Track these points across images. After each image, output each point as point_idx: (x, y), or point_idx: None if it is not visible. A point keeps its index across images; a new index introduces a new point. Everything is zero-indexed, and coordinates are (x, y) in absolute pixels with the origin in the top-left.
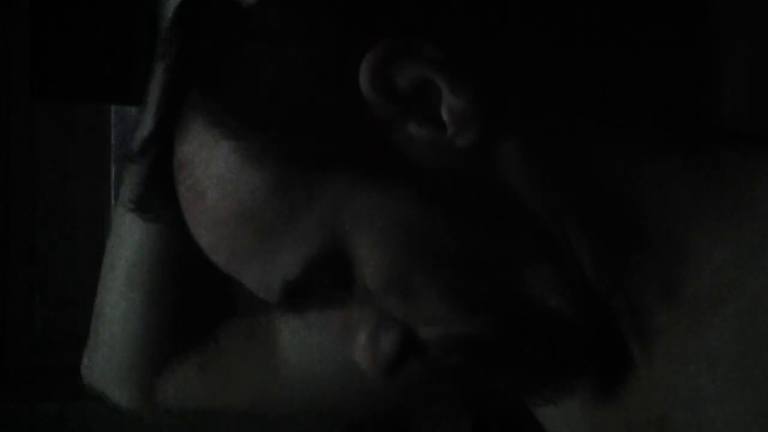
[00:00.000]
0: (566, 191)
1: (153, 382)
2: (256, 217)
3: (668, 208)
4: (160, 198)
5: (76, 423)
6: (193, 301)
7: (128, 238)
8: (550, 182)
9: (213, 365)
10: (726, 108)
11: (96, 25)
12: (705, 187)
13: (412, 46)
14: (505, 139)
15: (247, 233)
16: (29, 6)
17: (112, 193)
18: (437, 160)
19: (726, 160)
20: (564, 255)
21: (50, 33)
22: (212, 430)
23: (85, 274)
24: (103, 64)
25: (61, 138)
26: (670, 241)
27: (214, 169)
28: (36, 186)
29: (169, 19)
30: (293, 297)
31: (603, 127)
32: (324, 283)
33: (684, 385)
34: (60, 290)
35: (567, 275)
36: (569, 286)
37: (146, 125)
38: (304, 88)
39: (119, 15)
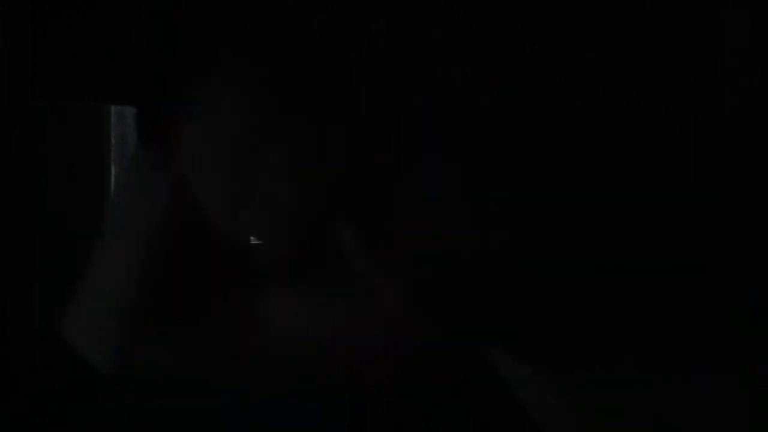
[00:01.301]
0: None
1: (132, 348)
2: None
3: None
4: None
5: (76, 423)
6: (184, 274)
7: (129, 214)
8: None
9: (194, 335)
10: (726, 108)
11: (96, 25)
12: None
13: None
14: None
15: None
16: (29, 6)
17: (112, 193)
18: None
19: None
20: None
21: (50, 33)
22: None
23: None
24: (103, 64)
25: (61, 138)
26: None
27: None
28: (36, 186)
29: None
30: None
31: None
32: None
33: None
34: (60, 290)
35: None
36: None
37: None
38: None
39: (119, 15)
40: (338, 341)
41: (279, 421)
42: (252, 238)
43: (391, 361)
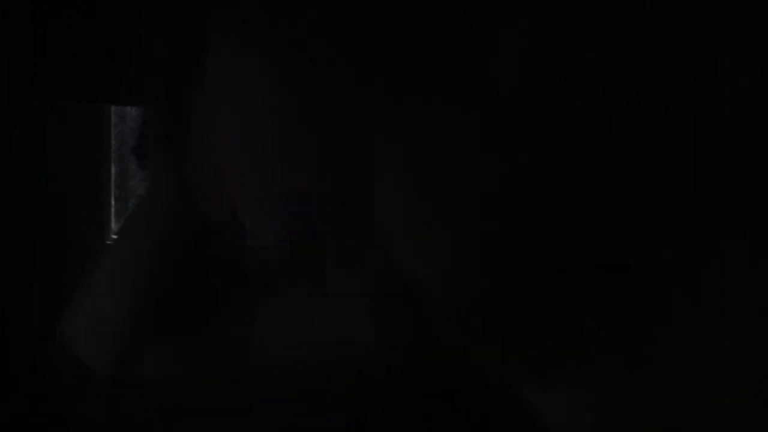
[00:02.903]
0: None
1: (132, 353)
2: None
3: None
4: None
5: (76, 423)
6: (186, 282)
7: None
8: None
9: (194, 342)
10: (726, 107)
11: (96, 25)
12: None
13: None
14: None
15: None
16: (29, 6)
17: (112, 193)
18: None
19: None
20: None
21: (50, 33)
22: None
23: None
24: (103, 64)
25: (61, 138)
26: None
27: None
28: (36, 186)
29: None
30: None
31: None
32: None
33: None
34: (60, 290)
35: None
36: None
37: None
38: None
39: (119, 15)
40: (337, 344)
41: (279, 421)
42: (251, 240)
43: (390, 363)
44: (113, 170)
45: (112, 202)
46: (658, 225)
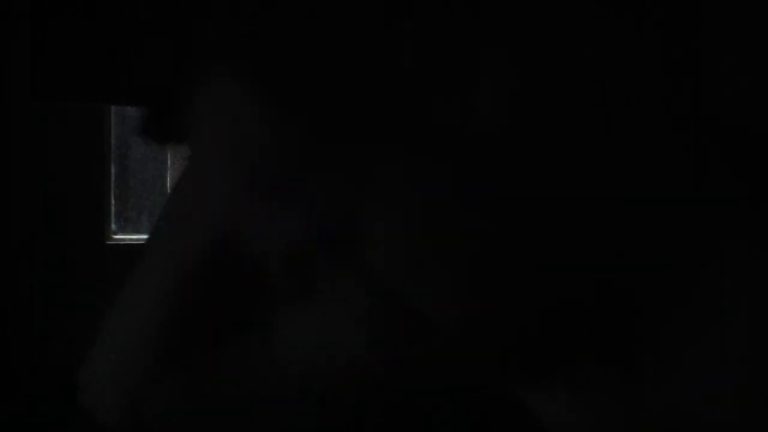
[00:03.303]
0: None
1: (146, 395)
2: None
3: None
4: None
5: (76, 423)
6: (200, 322)
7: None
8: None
9: (207, 379)
10: (726, 107)
11: (96, 25)
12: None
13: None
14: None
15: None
16: (29, 6)
17: (112, 193)
18: (466, 143)
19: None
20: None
21: (50, 33)
22: None
23: (85, 274)
24: (103, 64)
25: (61, 138)
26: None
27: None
28: (36, 186)
29: None
30: (297, 264)
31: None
32: (329, 252)
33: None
34: (60, 290)
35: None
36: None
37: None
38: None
39: (119, 15)
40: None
41: (279, 421)
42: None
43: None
44: (113, 170)
45: (112, 202)
46: (658, 225)
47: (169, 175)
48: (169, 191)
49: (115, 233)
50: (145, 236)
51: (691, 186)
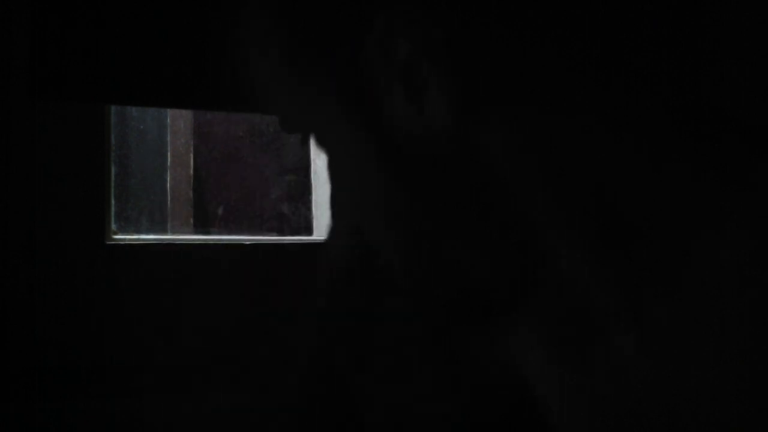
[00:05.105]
0: (552, 185)
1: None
2: None
3: (669, 202)
4: None
5: (76, 423)
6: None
7: None
8: (535, 174)
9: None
10: (726, 107)
11: (95, 26)
12: (706, 181)
13: (414, 20)
14: (490, 128)
15: None
16: (29, 6)
17: (113, 193)
18: (417, 140)
19: (729, 152)
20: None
21: (50, 33)
22: None
23: (85, 274)
24: (103, 64)
25: (61, 138)
26: (670, 236)
27: None
28: (36, 186)
29: None
30: None
31: (601, 125)
32: None
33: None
34: (60, 290)
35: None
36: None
37: None
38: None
39: (119, 15)
40: None
41: (278, 421)
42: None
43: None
44: (113, 170)
45: (112, 202)
46: (657, 221)
47: (169, 175)
48: (169, 191)
49: (115, 233)
50: (145, 236)
51: (689, 183)
